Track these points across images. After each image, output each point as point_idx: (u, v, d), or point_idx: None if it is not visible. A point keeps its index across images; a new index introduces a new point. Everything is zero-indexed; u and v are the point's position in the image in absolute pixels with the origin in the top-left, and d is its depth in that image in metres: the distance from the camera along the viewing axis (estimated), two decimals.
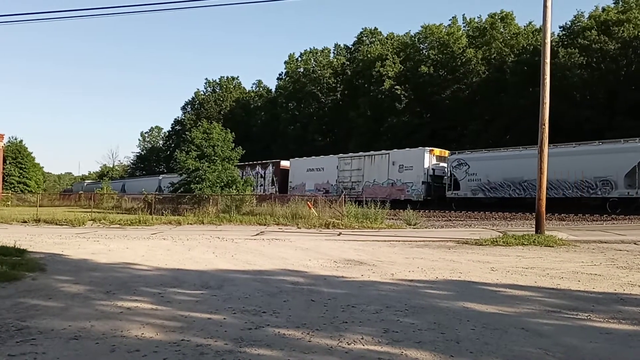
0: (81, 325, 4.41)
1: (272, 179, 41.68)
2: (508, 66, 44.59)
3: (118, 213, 26.94)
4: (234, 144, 28.88)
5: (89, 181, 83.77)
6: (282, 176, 41.02)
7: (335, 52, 65.86)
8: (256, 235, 14.76)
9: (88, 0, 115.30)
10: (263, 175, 42.89)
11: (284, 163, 41.79)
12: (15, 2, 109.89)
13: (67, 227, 18.21)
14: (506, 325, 4.47)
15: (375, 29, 61.72)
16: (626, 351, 3.82)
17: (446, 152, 32.23)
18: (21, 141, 66.50)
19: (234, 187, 27.42)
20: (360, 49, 59.85)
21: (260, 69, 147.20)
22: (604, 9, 42.24)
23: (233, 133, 29.63)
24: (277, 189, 40.39)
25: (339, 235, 14.93)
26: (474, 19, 52.79)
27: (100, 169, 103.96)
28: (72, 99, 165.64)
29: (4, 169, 58.53)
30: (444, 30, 51.90)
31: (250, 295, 5.84)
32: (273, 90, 73.05)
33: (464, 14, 56.26)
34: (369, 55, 55.60)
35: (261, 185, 42.79)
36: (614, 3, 42.56)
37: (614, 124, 34.83)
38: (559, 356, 3.64)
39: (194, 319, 4.72)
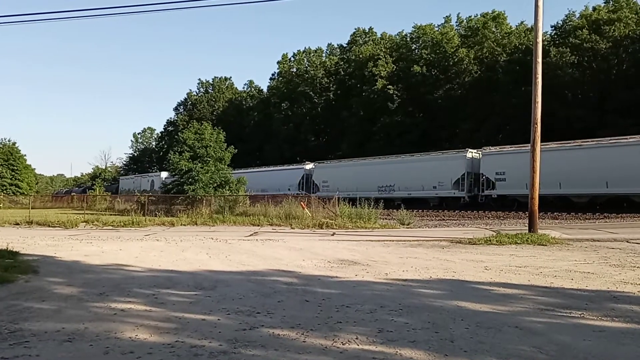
0: (75, 327, 4.39)
1: None
2: (500, 66, 44.84)
3: (111, 214, 26.79)
4: (226, 144, 28.80)
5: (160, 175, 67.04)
6: None
7: (329, 51, 65.81)
8: (250, 235, 14.72)
9: (80, 1, 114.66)
10: None
11: None
12: (6, 2, 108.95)
13: (59, 229, 18.07)
14: (500, 324, 4.49)
15: (371, 28, 61.92)
16: (619, 349, 3.84)
17: None
18: (14, 143, 65.97)
19: (227, 187, 27.35)
20: (353, 49, 59.91)
21: (253, 69, 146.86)
22: (594, 8, 42.58)
23: (224, 132, 29.53)
24: None
25: (332, 235, 14.92)
26: (466, 18, 53.05)
27: (92, 170, 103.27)
28: (63, 101, 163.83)
29: None
30: (436, 30, 52.10)
31: (244, 296, 5.82)
32: (265, 90, 72.95)
33: (450, 13, 56.57)
34: (361, 56, 55.68)
35: None
36: (604, 2, 42.90)
37: (605, 123, 35.12)
38: (553, 354, 3.66)
39: (188, 320, 4.70)
